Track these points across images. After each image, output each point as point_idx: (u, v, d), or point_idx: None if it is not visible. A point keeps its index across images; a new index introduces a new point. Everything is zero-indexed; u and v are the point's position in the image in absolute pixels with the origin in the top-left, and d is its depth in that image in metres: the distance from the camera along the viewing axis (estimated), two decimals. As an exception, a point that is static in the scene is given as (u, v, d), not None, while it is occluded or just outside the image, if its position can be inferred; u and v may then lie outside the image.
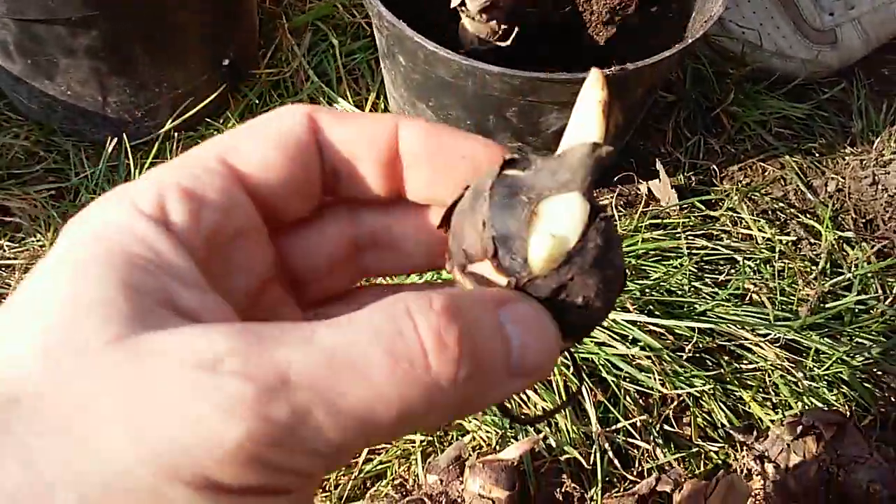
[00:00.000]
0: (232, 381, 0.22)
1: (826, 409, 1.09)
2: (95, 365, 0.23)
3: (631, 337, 1.09)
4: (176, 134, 1.30)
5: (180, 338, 0.23)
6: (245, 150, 0.31)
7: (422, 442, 1.05)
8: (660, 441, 1.06)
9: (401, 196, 0.35)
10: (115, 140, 1.27)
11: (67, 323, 0.24)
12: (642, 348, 1.07)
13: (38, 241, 1.20)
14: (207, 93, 1.29)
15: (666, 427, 1.08)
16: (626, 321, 1.09)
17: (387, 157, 0.33)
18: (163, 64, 1.23)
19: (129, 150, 1.27)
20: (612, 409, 1.06)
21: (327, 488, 1.00)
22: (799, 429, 1.02)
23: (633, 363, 1.07)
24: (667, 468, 1.05)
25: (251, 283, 0.32)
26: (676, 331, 1.10)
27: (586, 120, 0.30)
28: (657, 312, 1.12)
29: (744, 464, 1.05)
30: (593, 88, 0.30)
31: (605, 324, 1.10)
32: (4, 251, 1.18)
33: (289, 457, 0.23)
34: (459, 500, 0.97)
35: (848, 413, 1.09)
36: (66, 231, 0.28)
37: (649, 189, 1.33)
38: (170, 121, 1.28)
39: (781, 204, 1.33)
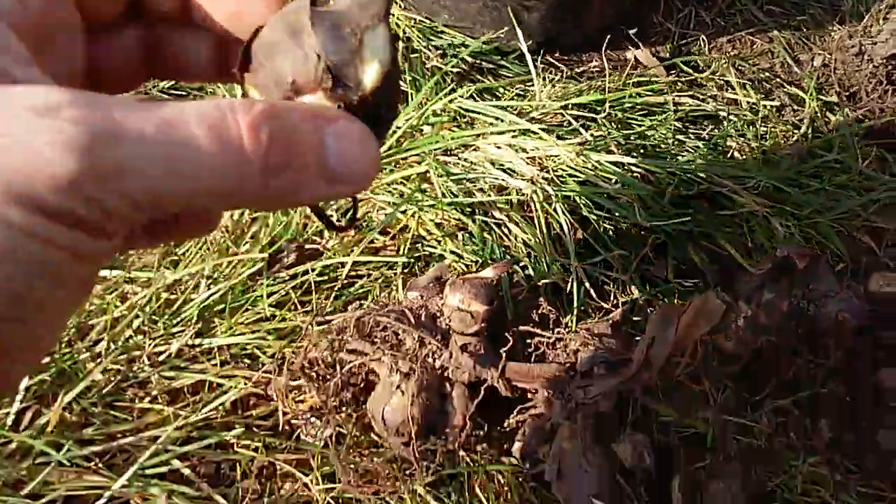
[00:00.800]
0: (71, 125, 0.25)
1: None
2: None
3: (614, 179, 1.10)
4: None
5: (25, 89, 0.26)
6: None
7: (403, 270, 1.06)
8: (636, 278, 1.08)
9: (189, 18, 0.37)
10: None
11: None
12: (624, 187, 1.08)
13: None
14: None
15: (643, 266, 1.10)
16: (610, 162, 1.10)
17: None
18: None
19: None
20: (592, 242, 1.08)
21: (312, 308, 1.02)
22: (773, 264, 1.04)
23: (616, 202, 1.09)
24: (641, 301, 1.07)
25: (67, 76, 0.35)
26: (658, 175, 1.11)
27: None
28: (641, 159, 1.13)
29: (718, 299, 1.07)
30: None
31: (588, 165, 1.11)
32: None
33: (108, 197, 0.26)
34: (438, 313, 0.99)
35: (820, 257, 1.11)
36: None
37: (637, 56, 1.34)
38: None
39: (768, 74, 1.34)
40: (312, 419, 0.99)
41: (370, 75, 0.32)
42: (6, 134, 0.25)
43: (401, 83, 0.38)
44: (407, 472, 0.93)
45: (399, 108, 0.37)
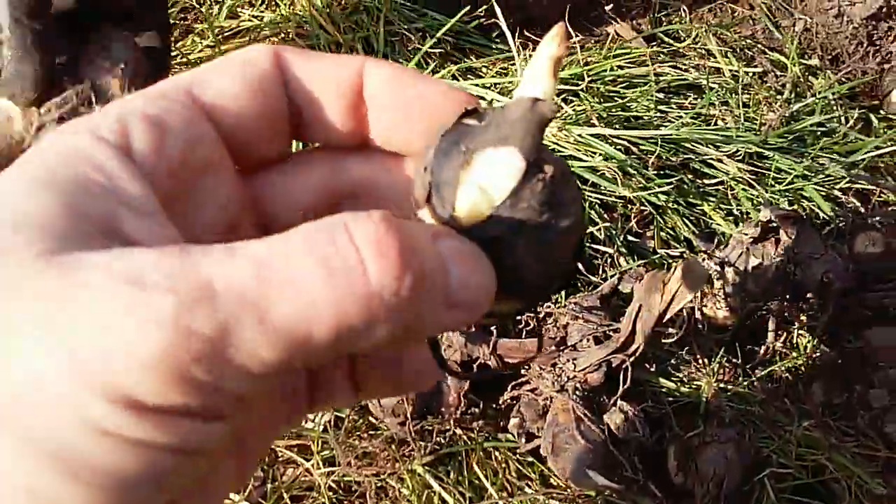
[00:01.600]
0: (155, 294, 0.21)
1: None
2: (19, 276, 0.22)
3: (597, 153, 1.11)
4: None
5: (109, 255, 0.22)
6: (211, 83, 0.30)
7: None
8: (623, 250, 1.09)
9: (367, 142, 0.33)
10: None
11: None
12: (606, 159, 1.09)
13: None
14: None
15: (630, 238, 1.11)
16: (591, 135, 1.10)
17: (351, 99, 0.31)
18: None
19: None
20: (577, 217, 1.08)
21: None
22: (758, 230, 1.05)
23: (599, 174, 1.09)
24: (629, 273, 1.08)
25: (219, 219, 0.31)
26: (641, 146, 1.12)
27: (536, 75, 0.30)
28: (623, 131, 1.14)
29: (705, 262, 1.08)
30: (551, 43, 0.30)
31: (572, 139, 1.12)
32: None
33: (214, 374, 0.22)
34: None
35: (806, 221, 1.12)
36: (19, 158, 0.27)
37: (616, 29, 1.34)
38: None
39: (749, 41, 1.34)
40: (309, 405, 1.00)
41: (462, 200, 0.28)
42: (84, 311, 0.21)
43: (556, 236, 0.29)
44: (405, 452, 0.94)
45: (552, 270, 0.30)
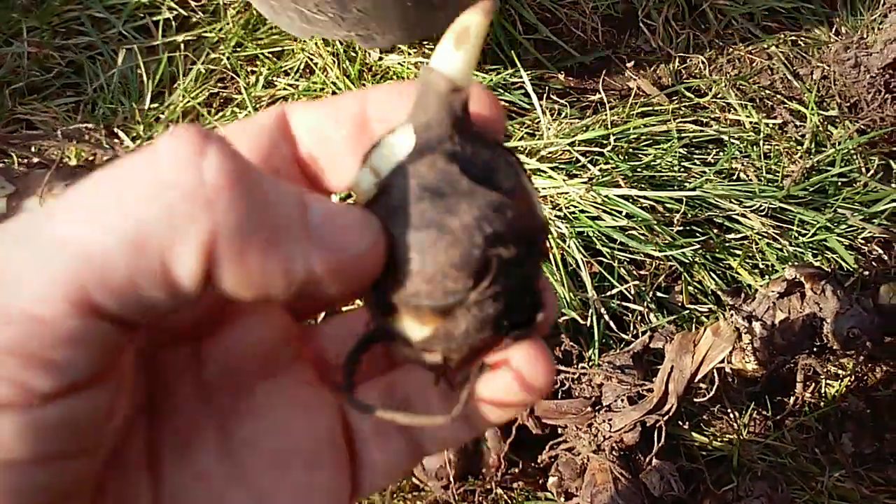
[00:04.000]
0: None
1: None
2: None
3: (624, 212, 1.15)
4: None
5: None
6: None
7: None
8: (653, 306, 1.13)
9: None
10: (126, 51, 1.32)
11: None
12: (633, 219, 1.13)
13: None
14: None
15: (659, 294, 1.14)
16: (618, 196, 1.15)
17: (356, 130, 0.29)
18: None
19: (141, 61, 1.32)
20: (607, 276, 1.12)
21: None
22: (784, 286, 1.08)
23: (627, 233, 1.13)
24: (660, 330, 1.11)
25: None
26: (667, 204, 1.16)
27: (442, 46, 0.27)
28: (648, 189, 1.18)
29: (732, 322, 1.11)
30: (472, 13, 0.26)
31: (599, 200, 1.16)
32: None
33: None
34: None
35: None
36: None
37: (639, 85, 1.38)
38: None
39: (768, 91, 1.38)
40: (355, 467, 1.04)
41: (357, 182, 0.28)
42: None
43: (461, 244, 0.25)
44: (448, 513, 0.99)
45: (443, 260, 0.25)
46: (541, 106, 1.29)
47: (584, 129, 1.26)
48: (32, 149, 1.26)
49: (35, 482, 0.22)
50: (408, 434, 0.31)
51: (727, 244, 1.17)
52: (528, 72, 1.30)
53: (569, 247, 1.13)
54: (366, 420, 0.31)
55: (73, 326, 0.21)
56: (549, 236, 1.14)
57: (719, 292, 1.14)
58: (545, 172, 1.19)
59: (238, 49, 1.39)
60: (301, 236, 0.24)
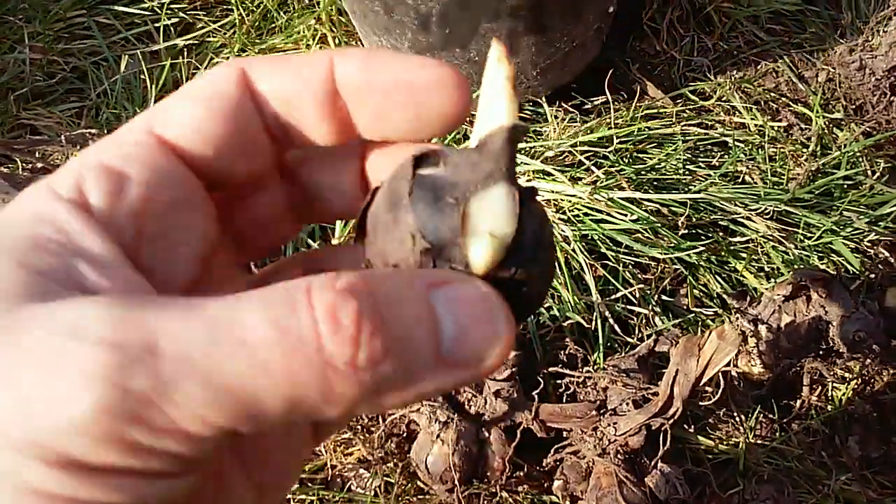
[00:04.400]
0: (92, 348, 0.20)
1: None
2: None
3: (629, 215, 1.14)
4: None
5: (53, 307, 0.22)
6: (174, 117, 0.29)
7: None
8: (658, 310, 1.12)
9: (355, 136, 0.31)
10: (128, 56, 1.33)
11: None
12: (638, 221, 1.13)
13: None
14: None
15: (664, 298, 1.14)
16: (623, 199, 1.14)
17: (325, 97, 0.29)
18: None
19: (144, 66, 1.33)
20: (612, 279, 1.12)
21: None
22: (789, 289, 1.08)
23: (632, 237, 1.13)
24: (665, 333, 1.11)
25: (196, 253, 0.30)
26: (672, 207, 1.15)
27: (497, 103, 0.27)
28: (652, 192, 1.18)
29: (738, 325, 1.11)
30: (499, 65, 0.28)
31: (601, 203, 1.16)
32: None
33: (153, 435, 0.21)
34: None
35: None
36: None
37: (643, 88, 1.38)
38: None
39: (773, 94, 1.37)
40: (361, 471, 1.04)
41: (479, 254, 0.26)
42: (19, 369, 0.21)
43: (553, 256, 0.30)
44: (453, 517, 0.98)
45: (551, 277, 0.30)
46: (545, 108, 1.29)
47: (589, 131, 1.26)
48: (36, 154, 1.27)
49: None
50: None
51: (732, 247, 1.17)
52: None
53: (573, 250, 1.13)
54: None
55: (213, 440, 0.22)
56: (554, 240, 1.14)
57: (724, 295, 1.13)
58: (550, 175, 1.19)
59: (242, 54, 1.39)
60: (435, 370, 0.23)
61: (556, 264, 0.27)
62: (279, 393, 0.21)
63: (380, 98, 0.29)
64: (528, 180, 1.19)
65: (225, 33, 1.40)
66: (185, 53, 1.37)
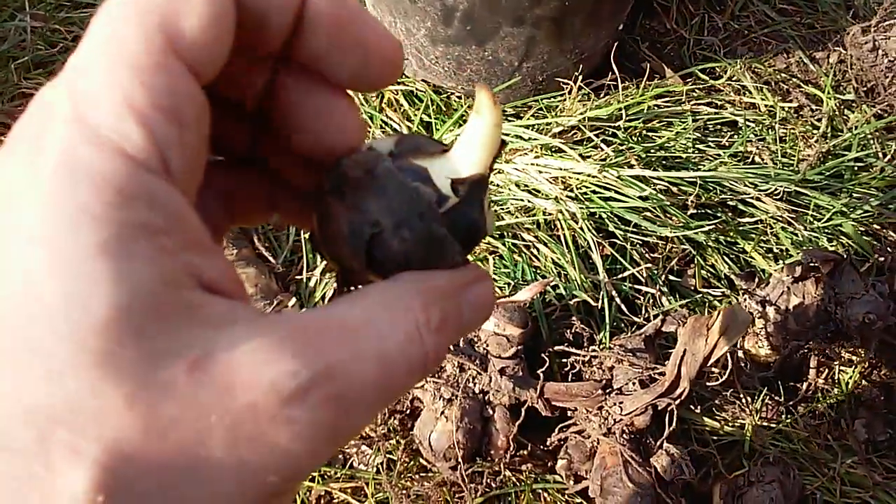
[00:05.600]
0: (319, 410, 0.23)
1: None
2: (194, 406, 0.22)
3: (637, 193, 1.13)
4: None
5: (250, 360, 0.23)
6: (185, 30, 0.24)
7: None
8: (665, 290, 1.11)
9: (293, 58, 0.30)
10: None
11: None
12: (646, 200, 1.11)
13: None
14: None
15: (671, 278, 1.13)
16: (632, 176, 1.13)
17: (294, 16, 0.28)
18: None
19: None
20: (619, 258, 1.11)
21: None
22: (798, 270, 1.07)
23: (641, 215, 1.12)
24: (672, 313, 1.10)
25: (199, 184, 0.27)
26: (681, 186, 1.14)
27: (475, 148, 0.30)
28: (661, 171, 1.16)
29: (746, 307, 1.10)
30: (489, 112, 0.30)
31: (611, 181, 1.14)
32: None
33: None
34: (476, 338, 1.03)
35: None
36: (41, 170, 0.21)
37: (653, 66, 1.36)
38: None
39: (784, 75, 1.35)
40: (363, 447, 1.03)
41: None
42: (253, 435, 0.23)
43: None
44: (457, 494, 0.97)
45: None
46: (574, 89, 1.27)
47: (597, 107, 1.24)
48: (37, 123, 1.25)
49: None
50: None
51: (741, 228, 1.16)
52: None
53: (581, 228, 1.11)
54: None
55: None
56: (561, 217, 1.13)
57: (732, 276, 1.12)
58: (559, 150, 1.18)
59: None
60: (465, 329, 0.31)
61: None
62: (397, 384, 0.27)
63: (340, 35, 0.29)
64: (535, 156, 1.18)
65: None
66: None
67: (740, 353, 1.11)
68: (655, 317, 1.10)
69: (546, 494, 0.98)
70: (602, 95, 1.29)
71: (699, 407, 1.05)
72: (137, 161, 0.22)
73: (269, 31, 0.28)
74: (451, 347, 1.00)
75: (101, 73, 0.22)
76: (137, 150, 0.22)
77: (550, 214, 1.14)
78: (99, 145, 0.21)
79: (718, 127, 1.26)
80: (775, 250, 1.15)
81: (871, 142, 1.24)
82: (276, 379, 0.22)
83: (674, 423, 0.97)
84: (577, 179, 1.15)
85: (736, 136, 1.25)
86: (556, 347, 1.03)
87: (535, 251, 1.12)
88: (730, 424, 1.05)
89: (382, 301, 0.27)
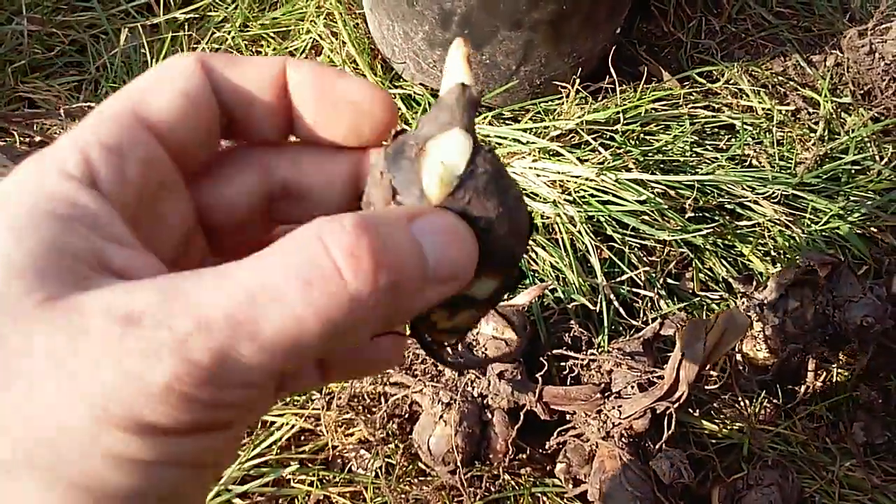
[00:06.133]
0: (154, 331, 0.24)
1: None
2: (27, 324, 0.24)
3: (635, 197, 1.13)
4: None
5: (105, 295, 0.24)
6: (152, 101, 0.31)
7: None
8: (663, 293, 1.11)
9: (293, 136, 0.35)
10: (128, 29, 1.30)
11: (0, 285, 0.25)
12: (644, 203, 1.12)
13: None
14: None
15: (669, 281, 1.13)
16: (630, 180, 1.13)
17: (277, 98, 0.33)
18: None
19: (144, 40, 1.30)
20: (617, 262, 1.11)
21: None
22: (796, 274, 1.07)
23: (639, 218, 1.12)
24: (670, 316, 1.10)
25: (177, 234, 0.33)
26: (679, 189, 1.14)
27: (454, 70, 0.33)
28: (659, 174, 1.16)
29: (744, 310, 1.10)
30: (457, 48, 0.33)
31: (609, 184, 1.14)
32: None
33: (220, 392, 0.24)
34: (474, 342, 1.03)
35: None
36: None
37: (650, 69, 1.36)
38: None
39: (781, 78, 1.36)
40: (362, 452, 1.03)
41: (429, 178, 0.30)
42: (90, 352, 0.24)
43: (513, 201, 0.32)
44: (456, 498, 0.97)
45: (520, 230, 0.33)
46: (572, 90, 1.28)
47: (595, 111, 1.24)
48: (34, 127, 1.25)
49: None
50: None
51: (739, 231, 1.16)
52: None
53: (579, 231, 1.11)
54: None
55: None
56: (559, 221, 1.13)
57: (731, 279, 1.12)
58: (557, 155, 1.18)
59: (244, 29, 1.37)
60: (424, 287, 0.28)
61: (532, 223, 0.34)
62: (315, 333, 0.25)
63: (324, 106, 0.33)
64: (533, 160, 1.18)
65: (227, 7, 1.37)
66: (186, 27, 1.35)
67: (738, 357, 1.11)
68: (654, 320, 1.10)
69: (545, 498, 0.98)
70: (600, 99, 1.29)
71: (698, 410, 1.05)
72: (69, 175, 0.27)
73: (256, 110, 0.33)
74: (450, 350, 0.99)
75: (76, 129, 0.29)
76: (71, 168, 0.28)
77: (548, 218, 1.14)
78: (43, 167, 0.28)
79: (716, 130, 1.27)
80: (773, 253, 1.15)
81: (869, 145, 1.24)
82: (111, 302, 0.24)
83: (672, 427, 0.97)
84: (575, 183, 1.15)
85: (733, 140, 1.25)
86: (555, 351, 1.03)
87: (533, 255, 1.12)
88: (728, 428, 1.05)
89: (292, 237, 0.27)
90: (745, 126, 1.25)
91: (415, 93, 1.33)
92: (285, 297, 0.25)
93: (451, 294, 0.29)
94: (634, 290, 1.11)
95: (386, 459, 1.00)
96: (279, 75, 0.33)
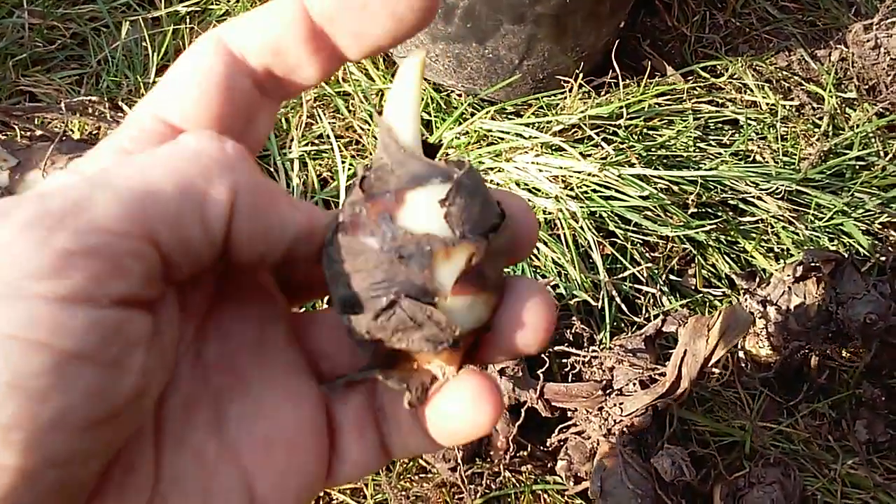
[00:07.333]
0: (21, 210, 0.24)
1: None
2: None
3: (638, 192, 1.13)
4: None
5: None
6: (173, 103, 0.30)
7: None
8: (665, 289, 1.11)
9: (341, 62, 0.32)
10: (129, 22, 1.30)
11: None
12: (647, 199, 1.11)
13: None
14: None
15: (672, 277, 1.12)
16: (632, 175, 1.12)
17: (307, 33, 0.30)
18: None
19: (146, 33, 1.30)
20: (619, 258, 1.10)
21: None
22: (799, 270, 1.06)
23: (641, 214, 1.11)
24: (672, 313, 1.09)
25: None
26: (682, 184, 1.13)
27: (402, 114, 0.31)
28: (662, 169, 1.15)
29: (747, 307, 1.09)
30: (412, 66, 0.31)
31: (612, 180, 1.14)
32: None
33: (77, 238, 0.25)
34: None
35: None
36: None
37: (654, 64, 1.36)
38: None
39: (785, 73, 1.35)
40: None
41: (447, 280, 0.28)
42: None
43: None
44: (456, 496, 0.97)
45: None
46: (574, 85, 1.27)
47: (597, 105, 1.24)
48: (35, 121, 1.24)
49: (77, 443, 0.23)
50: (380, 434, 0.33)
51: (742, 227, 1.15)
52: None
53: (581, 227, 1.11)
54: (347, 414, 0.33)
55: (135, 245, 0.25)
56: (561, 216, 1.12)
57: (733, 276, 1.12)
58: (559, 148, 1.17)
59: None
60: (289, 202, 0.29)
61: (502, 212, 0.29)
62: (171, 183, 0.26)
63: (356, 14, 0.30)
64: (536, 155, 1.17)
65: (228, 0, 1.37)
66: (188, 21, 1.35)
67: (741, 354, 1.10)
68: (656, 317, 1.09)
69: (546, 495, 0.98)
70: (603, 93, 1.29)
71: (700, 408, 1.04)
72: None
73: (289, 65, 0.31)
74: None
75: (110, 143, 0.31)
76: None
77: (551, 213, 1.13)
78: None
79: (719, 125, 1.26)
80: (776, 250, 1.15)
81: (873, 140, 1.24)
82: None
83: (674, 424, 0.96)
84: (578, 178, 1.15)
85: (737, 135, 1.24)
86: (556, 348, 1.03)
87: (534, 250, 1.11)
88: (730, 425, 1.04)
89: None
90: (749, 121, 1.25)
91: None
92: (143, 160, 0.27)
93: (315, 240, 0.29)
94: (637, 286, 1.10)
95: (386, 456, 1.00)
96: (301, 10, 0.30)
